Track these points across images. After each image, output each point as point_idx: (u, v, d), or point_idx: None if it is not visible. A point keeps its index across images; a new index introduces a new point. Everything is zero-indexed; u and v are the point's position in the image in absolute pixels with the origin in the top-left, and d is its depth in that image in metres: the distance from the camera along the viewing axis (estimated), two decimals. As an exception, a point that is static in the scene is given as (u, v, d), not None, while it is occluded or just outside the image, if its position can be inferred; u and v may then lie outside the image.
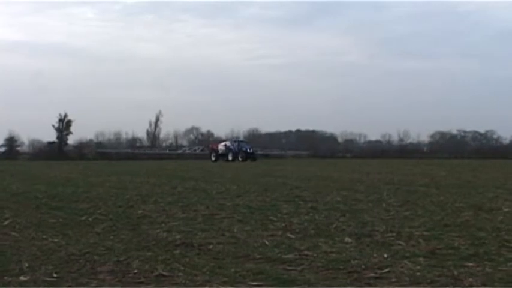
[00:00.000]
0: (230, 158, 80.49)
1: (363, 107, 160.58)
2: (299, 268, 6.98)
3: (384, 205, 13.75)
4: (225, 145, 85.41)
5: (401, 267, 6.90)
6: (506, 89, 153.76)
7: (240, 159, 79.81)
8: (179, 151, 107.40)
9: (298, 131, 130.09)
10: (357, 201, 14.69)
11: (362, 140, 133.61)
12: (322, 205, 13.80)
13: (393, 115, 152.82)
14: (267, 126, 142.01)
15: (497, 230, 9.64)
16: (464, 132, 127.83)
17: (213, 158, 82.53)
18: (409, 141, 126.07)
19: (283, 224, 10.50)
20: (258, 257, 7.63)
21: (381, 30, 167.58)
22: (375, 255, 7.57)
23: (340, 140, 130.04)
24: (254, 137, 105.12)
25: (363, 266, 6.96)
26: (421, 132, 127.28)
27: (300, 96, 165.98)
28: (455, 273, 6.59)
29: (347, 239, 8.78)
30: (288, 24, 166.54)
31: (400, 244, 8.35)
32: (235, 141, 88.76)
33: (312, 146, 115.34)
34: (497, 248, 7.99)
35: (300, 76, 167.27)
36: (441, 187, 19.96)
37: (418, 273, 6.60)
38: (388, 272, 6.70)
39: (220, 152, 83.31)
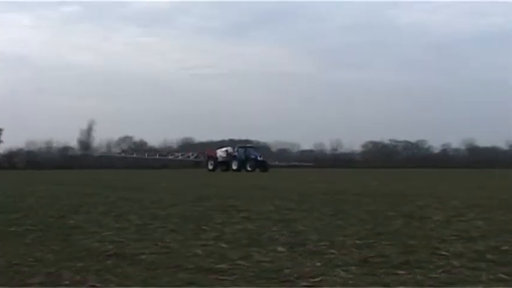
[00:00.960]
0: (234, 167, 71.64)
1: (296, 117, 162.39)
2: (232, 278, 6.95)
3: (317, 214, 13.84)
4: (227, 151, 75.80)
5: (334, 275, 6.94)
6: (437, 99, 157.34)
7: (248, 168, 70.50)
8: (170, 157, 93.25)
9: (231, 140, 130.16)
10: (290, 211, 14.74)
11: (295, 150, 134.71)
12: (255, 214, 13.80)
13: (326, 125, 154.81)
14: (201, 136, 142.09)
15: (428, 238, 9.80)
16: (396, 141, 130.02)
17: (210, 167, 73.94)
18: (341, 150, 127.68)
19: (216, 234, 10.46)
20: (191, 267, 7.56)
21: (316, 41, 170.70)
22: (307, 264, 7.59)
23: (273, 149, 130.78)
24: (187, 146, 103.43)
25: (295, 275, 6.97)
26: (353, 141, 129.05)
27: (234, 105, 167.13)
28: (387, 281, 6.66)
29: (280, 248, 8.79)
30: (225, 35, 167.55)
31: (332, 253, 8.40)
32: (241, 147, 77.77)
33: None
34: (427, 256, 8.11)
35: (236, 86, 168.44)
36: (373, 196, 20.23)
37: (351, 282, 6.65)
38: (321, 280, 6.73)
39: (220, 159, 74.49)
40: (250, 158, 73.66)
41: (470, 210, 14.82)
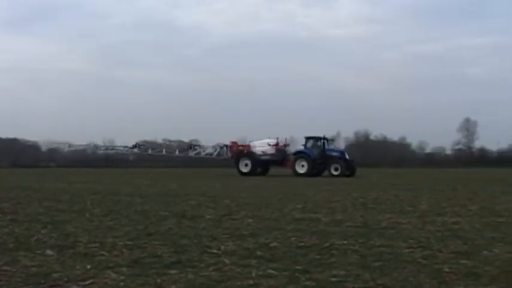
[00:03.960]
0: (302, 170, 47.24)
1: (69, 115, 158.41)
2: (-4, 285, 6.56)
3: (88, 215, 13.52)
4: (276, 145, 50.17)
5: (105, 277, 6.77)
6: (213, 100, 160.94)
7: (334, 172, 46.83)
8: (192, 153, 58.98)
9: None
10: (60, 212, 14.28)
11: (66, 149, 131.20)
12: (23, 217, 13.19)
13: (99, 123, 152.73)
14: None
15: (199, 237, 9.90)
16: (170, 141, 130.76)
17: (244, 169, 49.56)
18: (114, 150, 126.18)
19: (-20, 239, 9.84)
20: (-49, 275, 7.03)
21: (95, 38, 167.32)
22: (77, 267, 7.35)
23: (43, 148, 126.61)
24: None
25: (65, 279, 6.72)
26: (127, 140, 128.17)
27: (3, 102, 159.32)
28: (159, 281, 6.61)
29: (48, 252, 8.44)
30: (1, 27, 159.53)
31: (103, 254, 8.21)
32: (311, 138, 50.40)
33: (13, 154, 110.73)
34: (199, 255, 8.18)
35: (10, 81, 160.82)
36: (146, 196, 20.17)
37: (122, 283, 6.52)
38: (92, 283, 6.54)
39: (263, 158, 49.71)
40: (333, 157, 48.44)
41: (241, 209, 15.25)
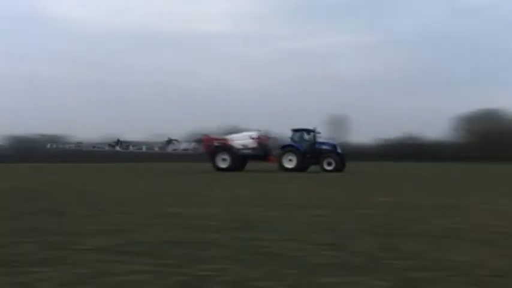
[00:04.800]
0: (290, 165, 44.16)
1: None
2: None
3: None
4: (258, 139, 46.21)
5: (-32, 277, 6.57)
6: (92, 93, 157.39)
7: (326, 167, 43.82)
8: (171, 149, 53.12)
9: None
10: None
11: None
12: None
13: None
14: None
15: (68, 234, 9.74)
16: (42, 135, 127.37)
17: (222, 165, 45.26)
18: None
19: None
20: None
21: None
22: None
23: None
24: None
25: None
26: None
27: None
28: (25, 280, 6.44)
29: None
30: None
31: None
32: (299, 130, 46.63)
33: None
34: (67, 251, 8.04)
35: None
36: (17, 192, 19.65)
37: (-14, 283, 6.35)
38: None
39: (241, 152, 45.76)
40: (325, 150, 45.28)
41: (112, 204, 15.14)
